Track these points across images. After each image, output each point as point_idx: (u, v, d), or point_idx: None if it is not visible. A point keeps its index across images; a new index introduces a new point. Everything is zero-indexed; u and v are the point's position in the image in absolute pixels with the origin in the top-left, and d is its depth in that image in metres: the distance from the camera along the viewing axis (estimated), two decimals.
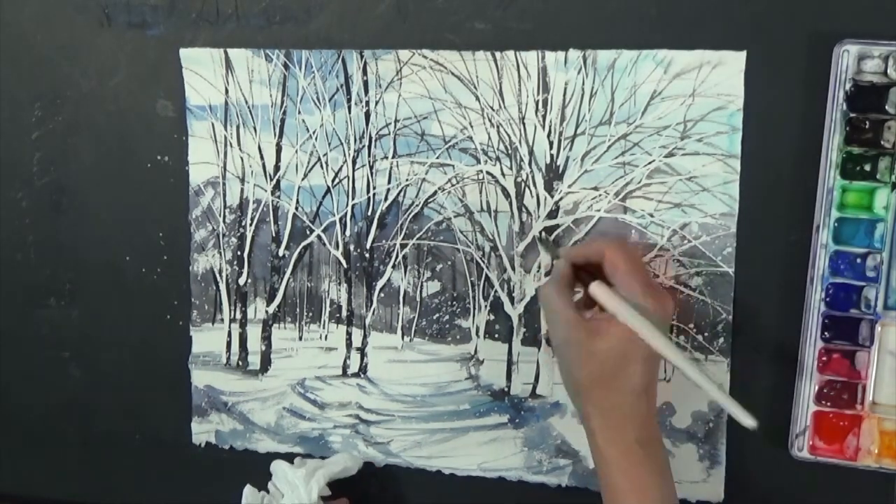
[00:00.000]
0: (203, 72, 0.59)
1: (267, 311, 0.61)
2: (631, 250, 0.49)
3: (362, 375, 0.60)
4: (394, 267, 0.58)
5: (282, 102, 0.58)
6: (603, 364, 0.46)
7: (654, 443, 0.47)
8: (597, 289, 0.47)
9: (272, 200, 0.60)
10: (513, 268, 0.56)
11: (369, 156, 0.58)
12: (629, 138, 0.53)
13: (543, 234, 0.55)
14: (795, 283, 0.51)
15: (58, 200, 0.63)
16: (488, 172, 0.56)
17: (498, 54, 0.54)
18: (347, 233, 0.59)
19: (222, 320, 0.62)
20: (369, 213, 0.58)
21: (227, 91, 0.59)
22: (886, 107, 0.48)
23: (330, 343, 0.60)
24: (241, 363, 0.62)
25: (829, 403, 0.50)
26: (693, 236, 0.53)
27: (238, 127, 0.59)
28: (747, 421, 0.44)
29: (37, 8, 0.62)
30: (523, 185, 0.55)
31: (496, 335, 0.57)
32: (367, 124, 0.57)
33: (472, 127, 0.56)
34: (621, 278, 0.47)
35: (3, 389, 0.66)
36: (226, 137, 0.60)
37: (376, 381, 0.60)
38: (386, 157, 0.57)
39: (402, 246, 0.58)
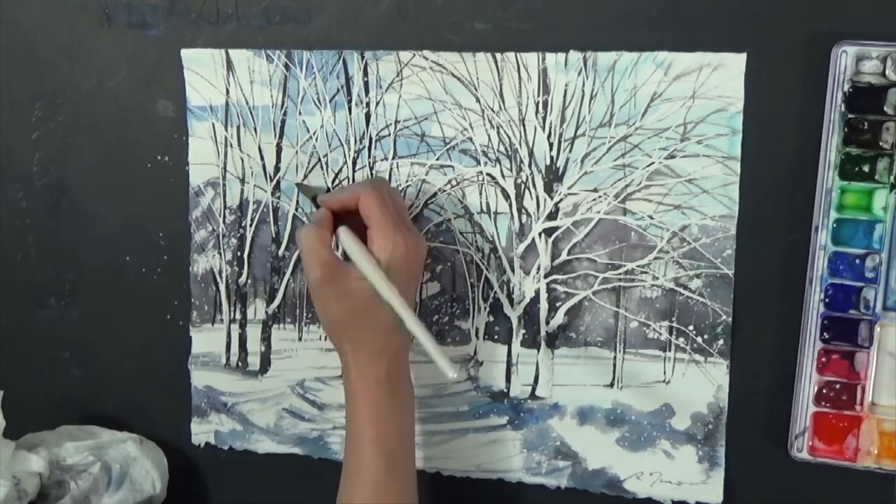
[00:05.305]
0: (204, 72, 0.59)
1: (267, 312, 0.61)
2: (385, 193, 0.51)
3: None
4: None
5: (282, 103, 0.58)
6: (356, 302, 0.49)
7: (401, 379, 0.52)
8: (341, 233, 0.50)
9: (272, 201, 0.60)
10: (512, 269, 0.56)
11: (369, 157, 0.58)
12: (629, 140, 0.53)
13: (305, 181, 0.58)
14: (795, 284, 0.51)
15: (58, 200, 0.63)
16: (488, 174, 0.56)
17: (498, 56, 0.54)
18: None
19: (222, 321, 0.62)
20: None
21: (227, 91, 0.59)
22: (884, 108, 0.48)
23: (329, 344, 0.60)
24: (240, 364, 0.62)
25: (828, 404, 0.51)
26: (693, 238, 0.53)
27: (238, 127, 0.59)
28: (450, 374, 0.48)
29: (37, 8, 0.62)
30: (523, 186, 0.56)
31: (496, 337, 0.57)
32: (367, 125, 0.57)
33: (472, 128, 0.56)
34: (374, 221, 0.50)
35: (3, 389, 0.66)
36: (226, 138, 0.60)
37: None
38: (386, 159, 0.57)
39: None
